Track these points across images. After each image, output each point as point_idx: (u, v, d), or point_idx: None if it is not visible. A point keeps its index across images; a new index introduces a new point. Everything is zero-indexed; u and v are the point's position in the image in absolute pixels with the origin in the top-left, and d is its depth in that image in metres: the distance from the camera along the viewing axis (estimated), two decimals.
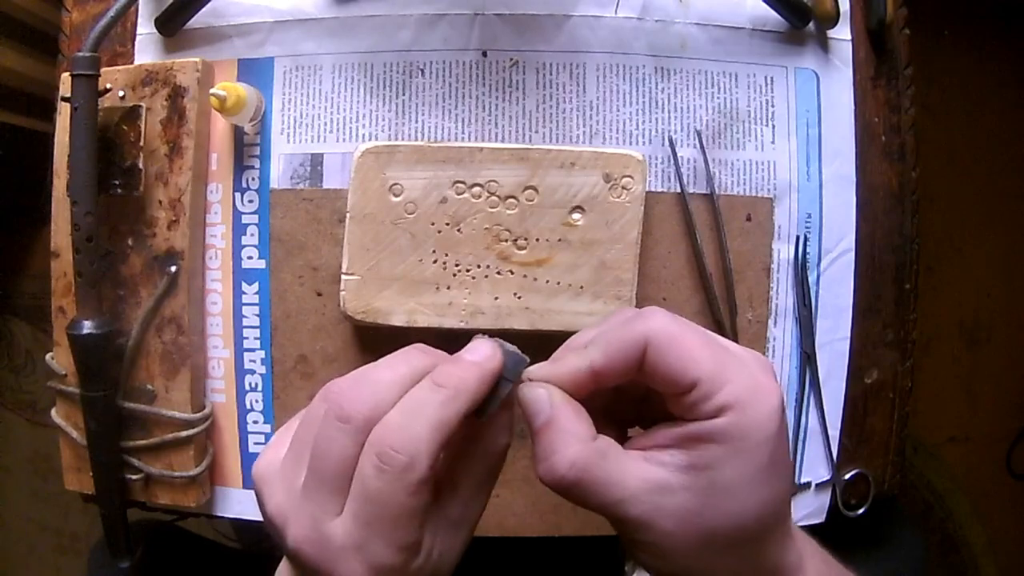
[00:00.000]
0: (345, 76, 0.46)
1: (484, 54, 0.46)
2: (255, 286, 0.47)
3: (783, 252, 0.47)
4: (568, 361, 0.29)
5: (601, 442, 0.28)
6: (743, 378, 0.27)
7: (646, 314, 0.29)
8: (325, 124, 0.47)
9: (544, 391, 0.29)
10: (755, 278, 0.47)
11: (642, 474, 0.28)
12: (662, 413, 0.29)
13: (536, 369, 0.30)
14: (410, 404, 0.28)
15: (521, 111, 0.47)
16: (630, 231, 0.43)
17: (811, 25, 0.47)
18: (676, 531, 0.28)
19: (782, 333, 0.48)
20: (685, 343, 0.27)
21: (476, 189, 0.43)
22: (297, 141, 0.47)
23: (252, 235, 0.47)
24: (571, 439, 0.28)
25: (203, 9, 0.46)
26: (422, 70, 0.46)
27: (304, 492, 0.28)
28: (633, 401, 0.32)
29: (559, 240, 0.43)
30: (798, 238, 0.47)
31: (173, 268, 0.44)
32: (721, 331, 0.47)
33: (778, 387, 0.28)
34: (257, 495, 0.30)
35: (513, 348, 0.30)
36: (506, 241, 0.43)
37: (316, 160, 0.46)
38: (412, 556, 0.28)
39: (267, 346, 0.47)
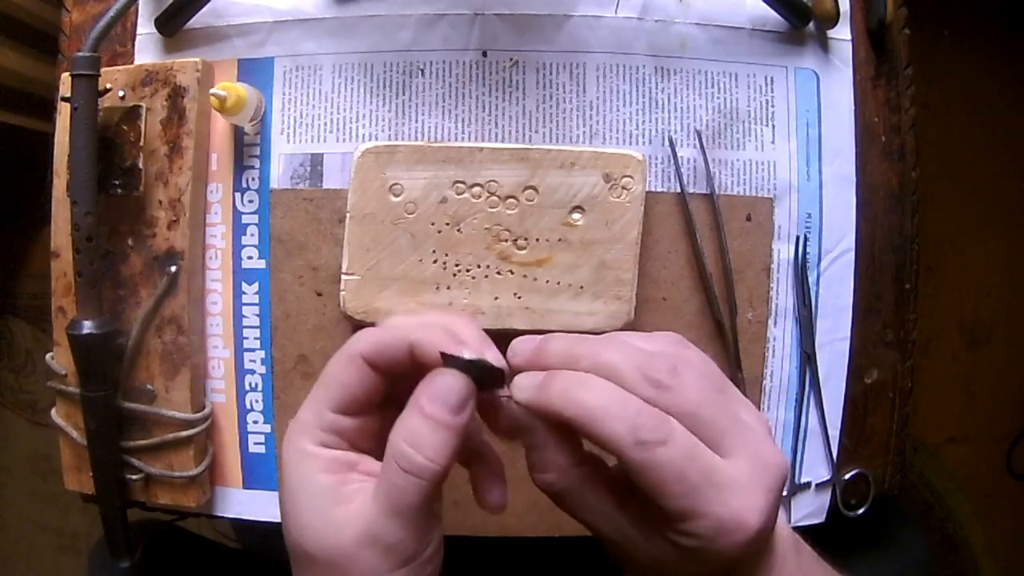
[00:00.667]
0: (345, 76, 0.46)
1: (484, 54, 0.46)
2: (255, 286, 0.47)
3: (783, 252, 0.47)
4: (554, 394, 0.29)
5: (582, 471, 0.30)
6: (721, 510, 0.27)
7: (661, 431, 0.27)
8: (325, 124, 0.47)
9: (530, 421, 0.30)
10: (755, 278, 0.47)
11: (616, 519, 0.29)
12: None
13: (520, 393, 0.30)
14: (389, 325, 0.31)
15: (521, 111, 0.47)
16: (630, 231, 0.43)
17: (811, 25, 0.47)
18: (646, 567, 0.30)
19: (782, 333, 0.48)
20: (672, 470, 0.27)
21: (476, 189, 0.43)
22: (297, 141, 0.47)
23: (252, 235, 0.47)
24: (553, 464, 0.30)
25: (203, 9, 0.46)
26: (422, 70, 0.46)
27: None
28: None
29: (559, 240, 0.43)
30: (798, 238, 0.47)
31: (173, 268, 0.44)
32: (721, 331, 0.47)
33: (761, 512, 0.28)
34: None
35: (484, 363, 0.30)
36: (506, 241, 0.43)
37: (316, 160, 0.47)
38: (317, 428, 0.31)
39: (267, 346, 0.47)
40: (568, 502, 0.30)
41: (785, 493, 0.47)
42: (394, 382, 0.32)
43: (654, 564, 0.29)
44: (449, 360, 0.29)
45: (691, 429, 0.28)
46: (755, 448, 0.28)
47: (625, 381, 0.28)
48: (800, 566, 0.31)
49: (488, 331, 0.44)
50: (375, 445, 0.31)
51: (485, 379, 0.29)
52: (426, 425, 0.29)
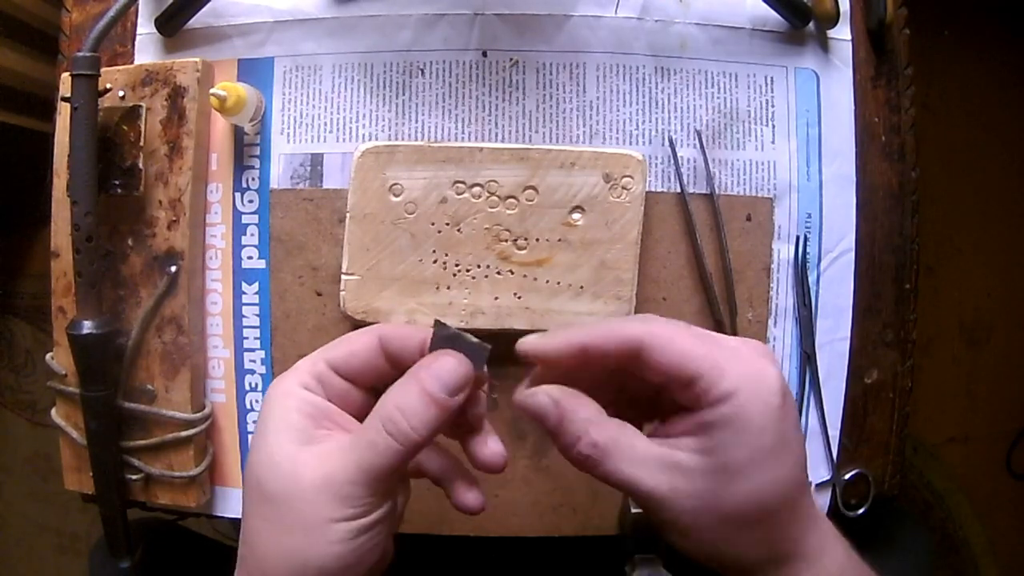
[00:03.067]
0: (345, 76, 0.46)
1: (484, 54, 0.46)
2: (255, 286, 0.47)
3: (783, 252, 0.47)
4: (559, 334, 0.31)
5: (614, 423, 0.30)
6: (739, 366, 0.29)
7: (641, 317, 0.31)
8: (325, 124, 0.47)
9: (545, 396, 0.31)
10: (755, 278, 0.47)
11: (656, 454, 0.30)
12: (673, 409, 0.31)
13: (528, 339, 0.31)
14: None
15: (521, 111, 0.47)
16: (630, 231, 0.43)
17: (811, 25, 0.47)
18: (693, 510, 0.29)
19: (782, 333, 0.48)
20: (680, 342, 0.29)
21: (476, 189, 0.43)
22: (297, 141, 0.47)
23: (252, 235, 0.47)
24: (585, 425, 0.30)
25: (203, 9, 0.46)
26: (422, 70, 0.46)
27: None
28: (645, 401, 0.33)
29: (559, 240, 0.43)
30: (798, 238, 0.47)
31: (173, 268, 0.44)
32: (721, 331, 0.47)
33: (776, 369, 0.29)
34: None
35: (473, 341, 0.32)
36: (506, 241, 0.43)
37: (316, 160, 0.46)
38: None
39: (267, 346, 0.47)
40: (608, 463, 0.30)
41: None
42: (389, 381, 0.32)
43: (701, 496, 0.29)
44: (439, 326, 0.31)
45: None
46: (740, 341, 0.31)
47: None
48: (850, 555, 0.32)
49: (488, 331, 0.44)
50: (353, 416, 0.33)
51: (472, 354, 0.31)
52: (420, 397, 0.30)
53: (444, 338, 0.32)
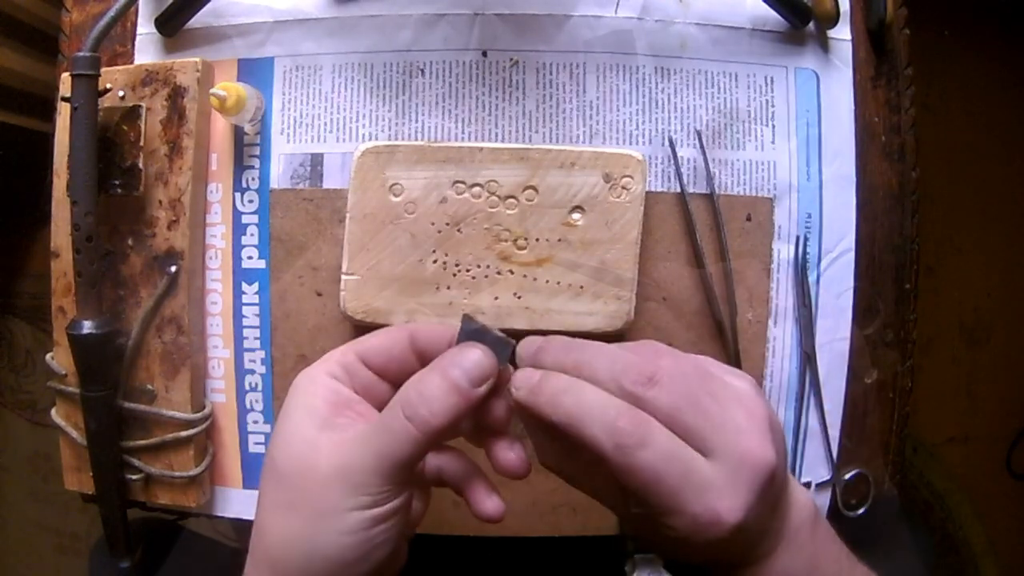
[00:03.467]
0: (345, 76, 0.46)
1: (484, 54, 0.46)
2: (255, 286, 0.47)
3: (783, 252, 0.47)
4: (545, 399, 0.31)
5: (579, 460, 0.32)
6: (696, 507, 0.29)
7: (639, 434, 0.29)
8: (325, 124, 0.47)
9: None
10: (755, 278, 0.47)
11: (617, 499, 0.32)
12: None
13: (517, 392, 0.32)
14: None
15: (521, 111, 0.47)
16: (630, 231, 0.43)
17: (811, 25, 0.47)
18: (649, 542, 0.32)
19: (782, 333, 0.48)
20: (651, 472, 0.29)
21: (476, 189, 0.43)
22: (297, 141, 0.47)
23: (252, 235, 0.47)
24: (551, 453, 0.33)
25: (203, 9, 0.46)
26: (422, 70, 0.46)
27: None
28: None
29: (559, 240, 0.43)
30: (798, 238, 0.47)
31: (173, 268, 0.44)
32: (721, 331, 0.47)
33: (738, 509, 0.29)
34: None
35: (499, 335, 0.32)
36: (506, 241, 0.43)
37: (316, 160, 0.46)
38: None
39: (267, 346, 0.47)
40: (572, 483, 0.34)
41: None
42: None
43: (655, 540, 0.32)
44: (466, 320, 0.32)
45: (673, 430, 0.29)
46: (739, 447, 0.29)
47: (609, 388, 0.30)
48: (815, 541, 0.32)
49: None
50: (377, 408, 0.33)
51: (496, 348, 0.32)
52: (442, 385, 0.30)
53: (470, 332, 0.32)
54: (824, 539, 0.33)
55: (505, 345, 0.32)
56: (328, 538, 0.30)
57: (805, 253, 0.47)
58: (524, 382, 0.32)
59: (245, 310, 0.47)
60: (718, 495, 0.29)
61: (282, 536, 0.30)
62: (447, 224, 0.43)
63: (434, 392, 0.30)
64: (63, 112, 0.43)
